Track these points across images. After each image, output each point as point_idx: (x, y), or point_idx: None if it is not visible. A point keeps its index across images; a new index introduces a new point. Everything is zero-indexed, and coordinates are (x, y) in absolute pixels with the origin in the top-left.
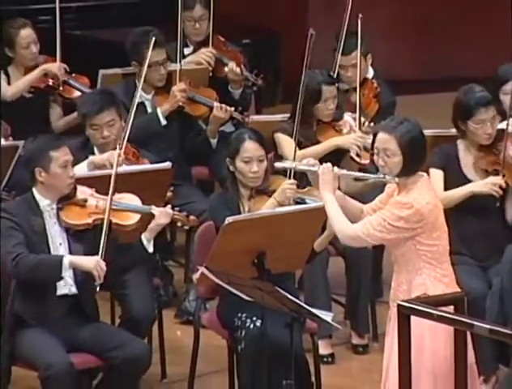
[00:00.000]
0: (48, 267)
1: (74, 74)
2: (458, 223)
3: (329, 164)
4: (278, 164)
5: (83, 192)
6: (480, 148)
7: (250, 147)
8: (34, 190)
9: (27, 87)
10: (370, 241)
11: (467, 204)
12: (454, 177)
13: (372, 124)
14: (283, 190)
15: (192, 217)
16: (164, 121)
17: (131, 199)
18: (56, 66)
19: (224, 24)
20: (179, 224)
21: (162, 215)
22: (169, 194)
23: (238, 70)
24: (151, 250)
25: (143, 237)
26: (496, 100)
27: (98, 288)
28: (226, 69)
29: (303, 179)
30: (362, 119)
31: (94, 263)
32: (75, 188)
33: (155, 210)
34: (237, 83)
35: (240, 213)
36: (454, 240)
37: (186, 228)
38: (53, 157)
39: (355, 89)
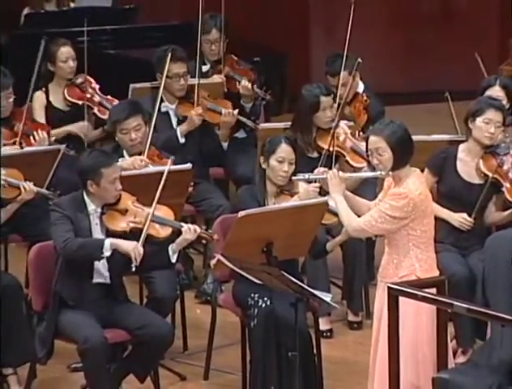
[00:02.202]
0: (91, 247)
1: (108, 96)
2: None
3: (335, 170)
4: (294, 178)
5: (126, 199)
6: (484, 153)
7: (286, 150)
8: (84, 194)
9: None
10: (373, 232)
11: (459, 198)
12: (450, 176)
13: (361, 133)
14: (307, 190)
15: (215, 236)
16: (182, 140)
17: (167, 213)
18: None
19: (239, 45)
20: (203, 241)
21: (189, 232)
22: (191, 189)
23: (250, 86)
24: (174, 260)
25: (170, 248)
26: None
27: (134, 269)
28: (238, 86)
29: None
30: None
31: (132, 247)
32: (120, 196)
33: (183, 227)
34: (249, 98)
35: None
36: (439, 230)
37: (210, 246)
38: (104, 174)
39: (346, 103)
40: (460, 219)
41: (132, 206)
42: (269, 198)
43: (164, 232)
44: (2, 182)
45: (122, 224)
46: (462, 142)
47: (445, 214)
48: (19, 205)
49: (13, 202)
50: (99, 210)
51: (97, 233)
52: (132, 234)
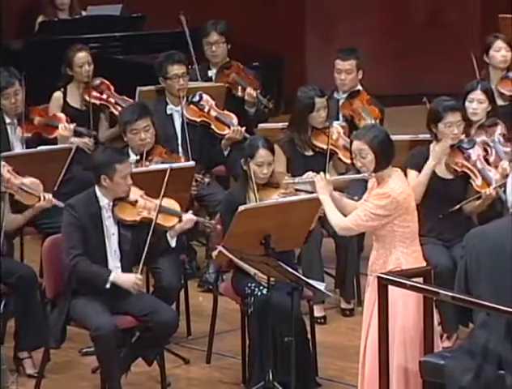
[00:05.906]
0: (97, 278)
1: (123, 96)
2: (428, 210)
3: (322, 174)
4: (286, 182)
5: (135, 192)
6: (451, 150)
7: (263, 154)
8: (97, 189)
9: None
10: (359, 229)
11: (437, 194)
12: None
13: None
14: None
15: (213, 222)
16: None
17: (172, 204)
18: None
19: (238, 50)
20: (206, 225)
21: (188, 221)
22: (207, 180)
23: (255, 94)
24: (173, 245)
25: (168, 234)
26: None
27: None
28: (243, 93)
29: None
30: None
31: (131, 283)
32: (129, 189)
33: (184, 216)
34: (252, 104)
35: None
36: (424, 224)
37: (210, 231)
38: (118, 169)
39: (350, 95)
40: (442, 149)
41: (141, 198)
42: (251, 194)
43: (170, 221)
44: (24, 188)
45: (132, 215)
46: (429, 141)
47: (429, 163)
48: (37, 212)
49: (31, 208)
50: (110, 203)
51: (111, 226)
52: (142, 224)
